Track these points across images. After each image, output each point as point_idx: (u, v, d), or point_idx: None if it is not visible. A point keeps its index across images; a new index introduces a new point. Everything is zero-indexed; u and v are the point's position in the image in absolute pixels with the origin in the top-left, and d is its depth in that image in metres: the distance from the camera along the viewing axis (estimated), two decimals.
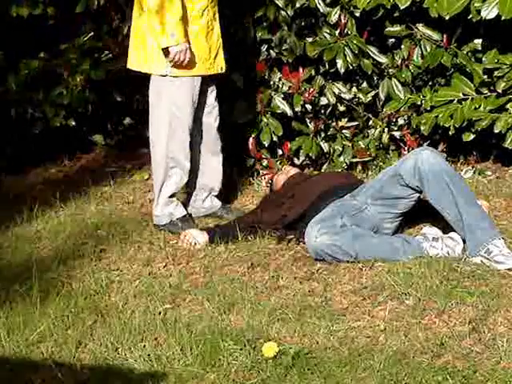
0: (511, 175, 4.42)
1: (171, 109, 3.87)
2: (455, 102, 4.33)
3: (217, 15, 3.88)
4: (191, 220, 4.07)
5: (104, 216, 4.28)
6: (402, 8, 4.23)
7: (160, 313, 3.15)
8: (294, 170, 4.19)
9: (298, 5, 4.38)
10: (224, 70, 3.96)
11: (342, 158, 4.55)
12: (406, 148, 4.46)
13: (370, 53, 4.39)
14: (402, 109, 4.47)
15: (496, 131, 4.20)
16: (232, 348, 2.81)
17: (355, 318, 3.03)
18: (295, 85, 4.41)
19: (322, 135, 4.56)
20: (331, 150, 4.57)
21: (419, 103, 4.45)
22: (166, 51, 3.74)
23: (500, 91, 4.23)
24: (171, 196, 4.01)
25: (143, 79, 4.90)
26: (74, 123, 5.10)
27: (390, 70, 4.47)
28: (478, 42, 4.33)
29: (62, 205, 4.41)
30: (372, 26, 4.42)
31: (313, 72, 4.47)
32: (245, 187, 4.55)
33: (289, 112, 4.46)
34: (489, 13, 4.00)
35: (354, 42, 4.31)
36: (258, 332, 2.94)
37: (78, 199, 4.51)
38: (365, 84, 4.55)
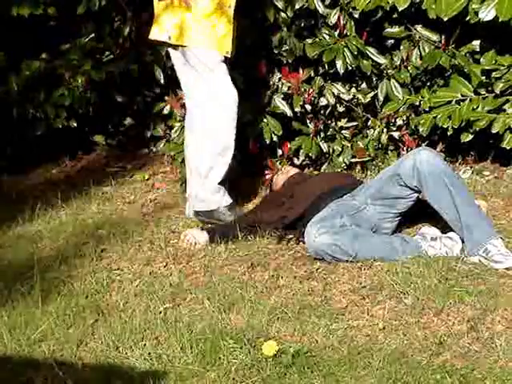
0: (509, 175, 4.43)
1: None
2: (453, 102, 4.34)
3: (232, 7, 3.84)
4: (237, 208, 4.05)
5: (105, 216, 4.30)
6: (400, 9, 4.23)
7: (160, 312, 3.16)
8: (293, 170, 4.20)
9: (297, 6, 4.40)
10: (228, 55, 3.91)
11: (341, 158, 4.55)
12: (404, 148, 4.47)
13: (369, 54, 4.39)
14: (401, 109, 4.47)
15: (494, 132, 4.21)
16: (232, 347, 2.82)
17: (354, 317, 3.05)
18: (295, 85, 4.42)
19: (322, 135, 4.58)
20: (331, 150, 4.58)
21: (418, 104, 4.45)
22: None
23: (498, 92, 4.23)
24: (221, 183, 3.97)
25: (143, 80, 4.92)
26: (75, 124, 5.12)
27: (389, 71, 4.48)
28: (476, 43, 4.34)
29: (63, 205, 4.43)
30: (371, 27, 4.43)
31: (312, 73, 4.48)
32: (245, 187, 4.57)
33: (288, 112, 4.47)
34: (487, 14, 4.01)
35: (354, 43, 4.32)
36: (258, 331, 2.96)
37: (79, 199, 4.53)
38: (364, 85, 4.56)
